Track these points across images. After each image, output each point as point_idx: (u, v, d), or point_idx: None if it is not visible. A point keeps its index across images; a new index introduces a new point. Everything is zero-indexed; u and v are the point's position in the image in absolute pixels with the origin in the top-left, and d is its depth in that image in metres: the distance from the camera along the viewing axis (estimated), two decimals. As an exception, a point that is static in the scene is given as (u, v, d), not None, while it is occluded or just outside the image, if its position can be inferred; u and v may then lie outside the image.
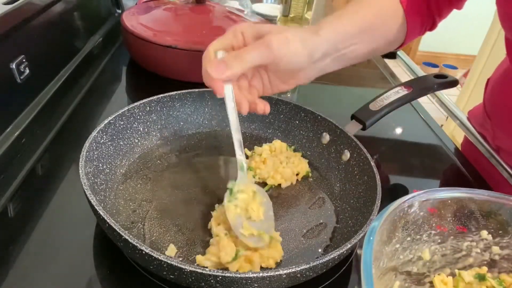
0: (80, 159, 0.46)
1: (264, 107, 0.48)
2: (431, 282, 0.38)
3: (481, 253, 0.39)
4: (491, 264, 0.39)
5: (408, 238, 0.36)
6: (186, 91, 0.63)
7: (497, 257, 0.38)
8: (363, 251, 0.28)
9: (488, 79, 0.73)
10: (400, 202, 0.33)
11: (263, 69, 0.47)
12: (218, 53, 0.44)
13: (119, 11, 1.06)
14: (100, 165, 0.51)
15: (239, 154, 0.46)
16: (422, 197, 0.35)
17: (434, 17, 0.59)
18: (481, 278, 0.37)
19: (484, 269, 0.38)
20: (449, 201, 0.37)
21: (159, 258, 0.36)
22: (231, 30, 0.45)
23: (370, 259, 0.28)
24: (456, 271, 0.38)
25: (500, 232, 0.38)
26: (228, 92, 0.44)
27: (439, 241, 0.38)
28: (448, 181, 0.68)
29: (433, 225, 0.37)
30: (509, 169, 0.66)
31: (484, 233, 0.38)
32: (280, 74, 0.48)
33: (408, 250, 0.36)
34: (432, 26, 0.61)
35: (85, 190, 0.42)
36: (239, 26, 0.45)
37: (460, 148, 0.76)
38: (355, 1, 0.54)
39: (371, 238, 0.29)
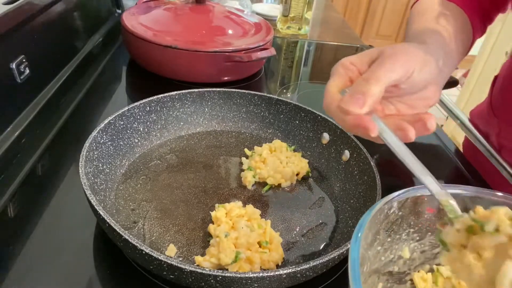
0: (80, 159, 0.46)
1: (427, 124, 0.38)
2: (412, 280, 0.38)
3: None
4: None
5: (389, 239, 0.36)
6: (186, 91, 0.63)
7: None
8: (350, 251, 0.28)
9: (496, 76, 0.74)
10: (382, 204, 0.33)
11: (392, 99, 0.41)
12: (344, 92, 0.37)
13: (119, 11, 1.06)
14: (100, 165, 0.51)
15: (444, 197, 0.33)
16: (401, 197, 0.35)
17: (485, 22, 0.59)
18: None
19: None
20: (426, 199, 0.37)
21: (159, 258, 0.36)
22: (338, 66, 0.39)
23: (357, 257, 0.28)
24: (435, 266, 0.39)
25: None
26: (381, 124, 0.36)
27: (417, 238, 0.39)
28: (448, 181, 0.68)
29: (411, 223, 0.37)
30: (509, 169, 0.65)
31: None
32: (411, 98, 0.40)
33: (389, 250, 0.37)
34: (483, 32, 0.61)
35: (85, 190, 0.42)
36: (344, 60, 0.39)
37: (460, 148, 0.76)
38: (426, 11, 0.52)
39: (359, 234, 0.29)
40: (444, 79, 0.45)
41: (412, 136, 0.37)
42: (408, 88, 0.38)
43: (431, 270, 0.39)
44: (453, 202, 0.33)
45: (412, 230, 0.38)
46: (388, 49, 0.38)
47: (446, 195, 0.33)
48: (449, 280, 0.38)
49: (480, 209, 0.31)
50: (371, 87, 0.34)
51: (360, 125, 0.35)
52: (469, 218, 0.30)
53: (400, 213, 0.36)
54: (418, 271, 0.38)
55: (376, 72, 0.35)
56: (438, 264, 0.39)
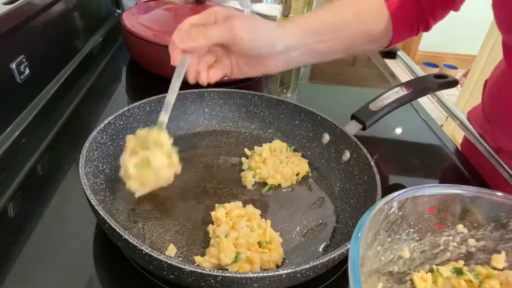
0: (80, 159, 0.46)
1: (209, 78, 0.52)
2: (412, 280, 0.38)
3: (458, 247, 0.39)
4: (468, 257, 0.40)
5: (389, 239, 0.36)
6: (186, 91, 0.63)
7: (473, 249, 0.39)
8: (350, 251, 0.28)
9: (486, 81, 0.73)
10: (382, 204, 0.33)
11: (230, 51, 0.50)
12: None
13: (119, 11, 1.06)
14: (100, 165, 0.51)
15: (163, 114, 0.48)
16: (401, 197, 0.35)
17: (427, 18, 0.59)
18: (459, 272, 0.38)
19: (461, 263, 0.39)
20: (426, 199, 0.37)
21: (159, 258, 0.36)
22: (208, 10, 0.49)
23: (357, 257, 0.28)
24: (434, 266, 0.39)
25: (475, 225, 0.39)
26: (182, 62, 0.48)
27: (417, 238, 0.39)
28: (448, 181, 0.68)
29: (411, 223, 0.38)
30: (509, 169, 0.66)
31: (460, 227, 0.39)
32: (245, 59, 0.51)
33: (389, 250, 0.37)
34: (426, 27, 0.61)
35: (85, 190, 0.42)
36: (216, 8, 0.49)
37: (460, 148, 0.76)
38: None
39: (359, 234, 0.29)
40: (286, 62, 0.54)
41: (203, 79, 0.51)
42: (238, 53, 0.50)
43: (431, 270, 0.39)
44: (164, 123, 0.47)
45: (412, 230, 0.38)
46: (241, 17, 0.47)
47: (164, 115, 0.48)
48: (449, 280, 0.38)
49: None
50: (197, 39, 0.46)
51: (171, 52, 0.48)
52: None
53: (400, 213, 0.36)
54: (418, 271, 0.39)
55: (211, 31, 0.46)
56: (438, 264, 0.39)
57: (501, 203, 0.37)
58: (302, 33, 0.52)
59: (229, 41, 0.47)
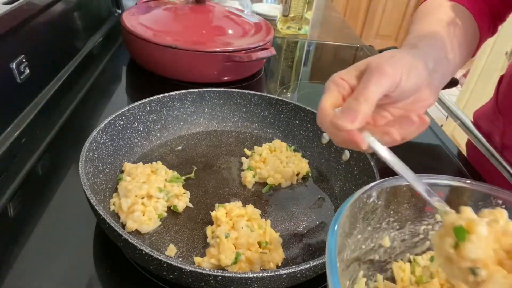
0: (80, 159, 0.46)
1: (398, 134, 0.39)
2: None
3: None
4: None
5: (369, 228, 0.37)
6: (186, 91, 0.63)
7: None
8: (327, 242, 0.28)
9: (502, 76, 0.73)
10: (360, 193, 0.33)
11: (386, 106, 0.40)
12: (336, 110, 0.37)
13: (119, 11, 1.06)
14: (100, 165, 0.51)
15: (436, 200, 0.35)
16: (380, 186, 0.35)
17: (495, 21, 0.59)
18: None
19: None
20: (404, 188, 0.37)
21: (159, 258, 0.36)
22: (329, 83, 0.39)
23: (334, 248, 0.28)
24: (411, 257, 0.40)
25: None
26: (370, 138, 0.37)
27: (397, 227, 0.39)
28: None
29: (391, 212, 0.38)
30: (510, 169, 0.65)
31: (439, 216, 0.39)
32: (405, 103, 0.41)
33: (369, 239, 0.37)
34: (494, 30, 0.60)
35: (85, 190, 0.42)
36: (334, 75, 0.39)
37: (460, 148, 0.76)
38: (421, 14, 0.52)
39: (337, 224, 0.29)
40: (439, 80, 0.45)
41: (397, 136, 0.38)
42: (399, 95, 0.39)
43: (411, 260, 0.40)
44: (443, 203, 0.34)
45: (392, 219, 0.38)
46: (374, 60, 0.38)
47: (439, 201, 0.34)
48: (427, 269, 0.39)
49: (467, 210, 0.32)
50: (361, 106, 0.35)
51: (351, 140, 0.37)
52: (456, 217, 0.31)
53: (379, 202, 0.36)
54: (397, 261, 0.39)
55: (364, 90, 0.36)
56: (418, 254, 0.40)
57: (475, 191, 0.38)
58: (435, 44, 0.45)
59: (391, 86, 0.37)
